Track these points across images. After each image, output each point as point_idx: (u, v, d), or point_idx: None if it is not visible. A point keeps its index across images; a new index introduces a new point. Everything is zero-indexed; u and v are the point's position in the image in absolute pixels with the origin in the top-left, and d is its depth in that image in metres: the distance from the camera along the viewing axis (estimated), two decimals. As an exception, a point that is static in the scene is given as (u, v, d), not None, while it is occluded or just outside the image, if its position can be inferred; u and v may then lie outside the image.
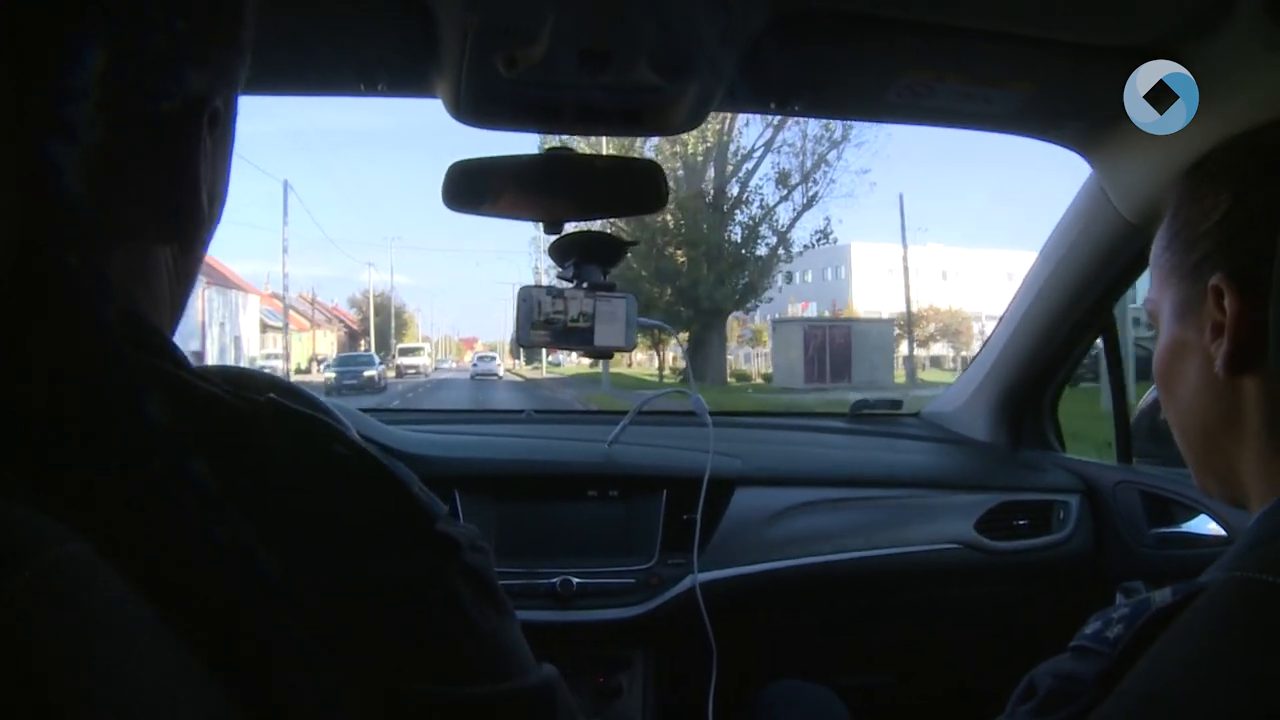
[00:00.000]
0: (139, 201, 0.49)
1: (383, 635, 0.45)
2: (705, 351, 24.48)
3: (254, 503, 0.44)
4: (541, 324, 1.44)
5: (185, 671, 0.40)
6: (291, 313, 40.65)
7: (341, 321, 59.88)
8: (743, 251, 25.29)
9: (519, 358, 49.28)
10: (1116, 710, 0.58)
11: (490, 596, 0.50)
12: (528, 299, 1.45)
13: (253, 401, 0.48)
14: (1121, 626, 0.63)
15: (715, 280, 23.83)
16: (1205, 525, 1.70)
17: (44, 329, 0.45)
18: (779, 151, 25.46)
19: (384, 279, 68.91)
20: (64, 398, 0.44)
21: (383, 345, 58.67)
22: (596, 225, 1.85)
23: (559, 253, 1.45)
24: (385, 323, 60.03)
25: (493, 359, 45.65)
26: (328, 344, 56.14)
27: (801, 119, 24.03)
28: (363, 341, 59.04)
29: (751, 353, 41.60)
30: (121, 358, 0.46)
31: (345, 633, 0.44)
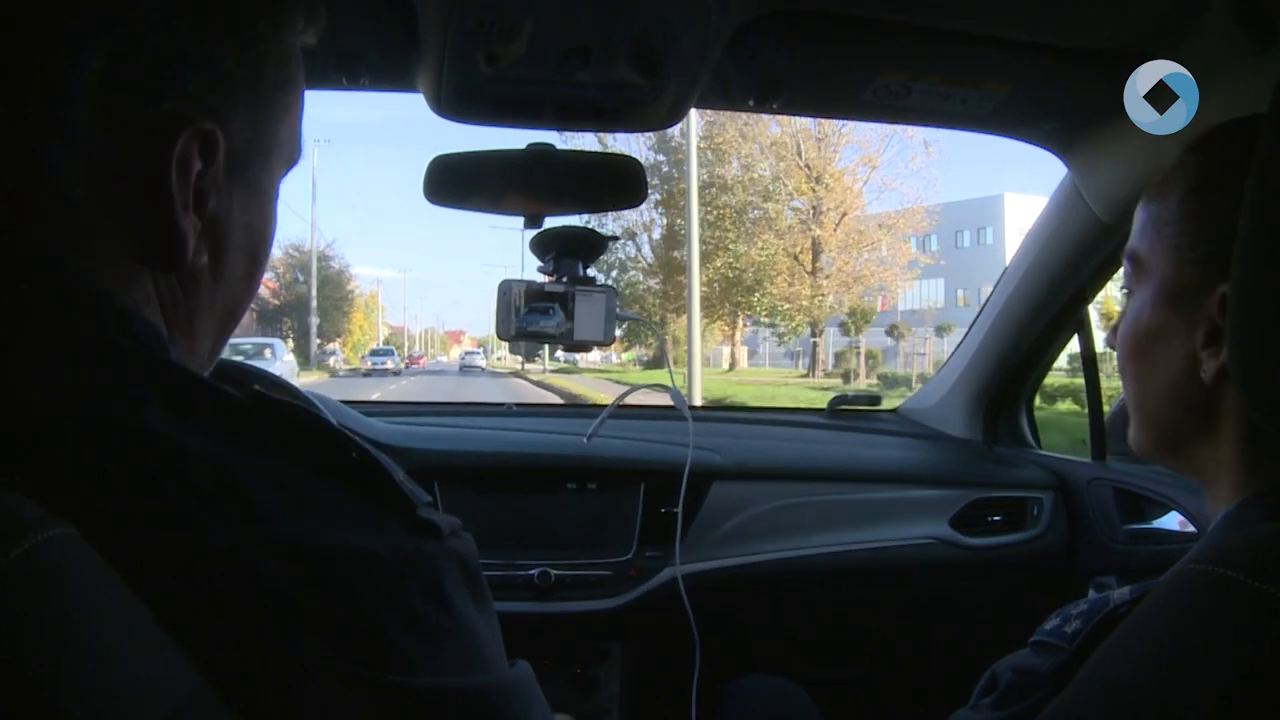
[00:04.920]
0: (111, 212, 0.49)
1: (357, 611, 0.45)
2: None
3: (244, 491, 0.45)
4: (522, 317, 1.45)
5: (162, 653, 0.41)
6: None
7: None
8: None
9: (522, 355, 38.37)
10: (1073, 698, 0.58)
11: (472, 584, 0.50)
12: (507, 292, 1.46)
13: (239, 394, 0.49)
14: (1079, 622, 0.65)
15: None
16: (1175, 522, 1.72)
17: (41, 324, 0.46)
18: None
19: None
20: (63, 390, 0.44)
21: (302, 330, 37.04)
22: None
23: (539, 247, 1.46)
24: (305, 291, 38.17)
25: (478, 354, 48.48)
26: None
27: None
28: (286, 320, 39.70)
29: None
30: (120, 352, 0.47)
31: (320, 609, 0.44)
